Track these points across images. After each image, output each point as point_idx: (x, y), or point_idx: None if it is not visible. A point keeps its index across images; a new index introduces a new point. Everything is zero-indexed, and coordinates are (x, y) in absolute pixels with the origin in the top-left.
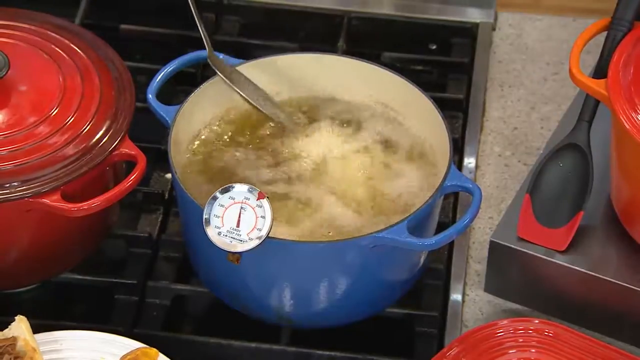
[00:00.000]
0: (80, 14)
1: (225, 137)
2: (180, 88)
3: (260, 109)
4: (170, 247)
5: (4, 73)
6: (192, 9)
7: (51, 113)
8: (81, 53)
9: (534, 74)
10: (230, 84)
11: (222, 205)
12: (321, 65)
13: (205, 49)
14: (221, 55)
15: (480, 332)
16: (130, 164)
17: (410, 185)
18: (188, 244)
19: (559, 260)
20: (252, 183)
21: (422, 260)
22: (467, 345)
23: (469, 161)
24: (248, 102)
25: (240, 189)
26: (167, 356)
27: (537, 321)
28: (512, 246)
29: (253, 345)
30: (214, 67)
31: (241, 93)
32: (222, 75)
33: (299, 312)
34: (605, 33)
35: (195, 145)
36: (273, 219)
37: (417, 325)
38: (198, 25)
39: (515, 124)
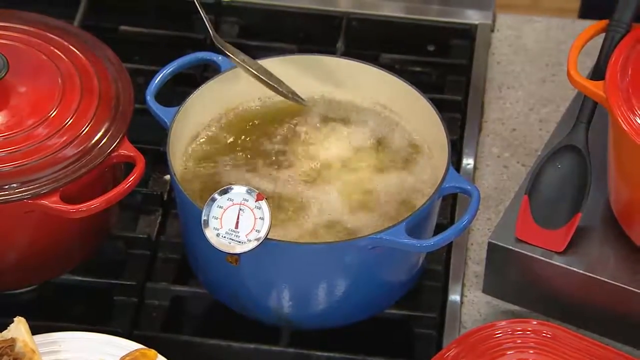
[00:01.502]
0: (80, 16)
1: (224, 138)
2: (179, 89)
3: (275, 86)
4: (169, 249)
5: (3, 75)
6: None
7: (50, 115)
8: (80, 54)
9: (533, 76)
10: (242, 64)
11: (220, 207)
12: (320, 66)
13: (208, 35)
14: (220, 56)
15: (478, 333)
16: (129, 166)
17: (409, 186)
18: (187, 245)
19: (557, 261)
20: (251, 184)
21: (420, 261)
22: (466, 347)
23: (468, 162)
24: (261, 80)
25: (238, 190)
26: (166, 357)
27: (535, 322)
28: (511, 247)
29: (252, 346)
30: (220, 46)
31: (251, 69)
32: (230, 55)
33: (298, 313)
34: (603, 35)
35: (194, 147)
36: (272, 220)
37: (416, 327)
38: (201, 13)
39: (514, 125)
